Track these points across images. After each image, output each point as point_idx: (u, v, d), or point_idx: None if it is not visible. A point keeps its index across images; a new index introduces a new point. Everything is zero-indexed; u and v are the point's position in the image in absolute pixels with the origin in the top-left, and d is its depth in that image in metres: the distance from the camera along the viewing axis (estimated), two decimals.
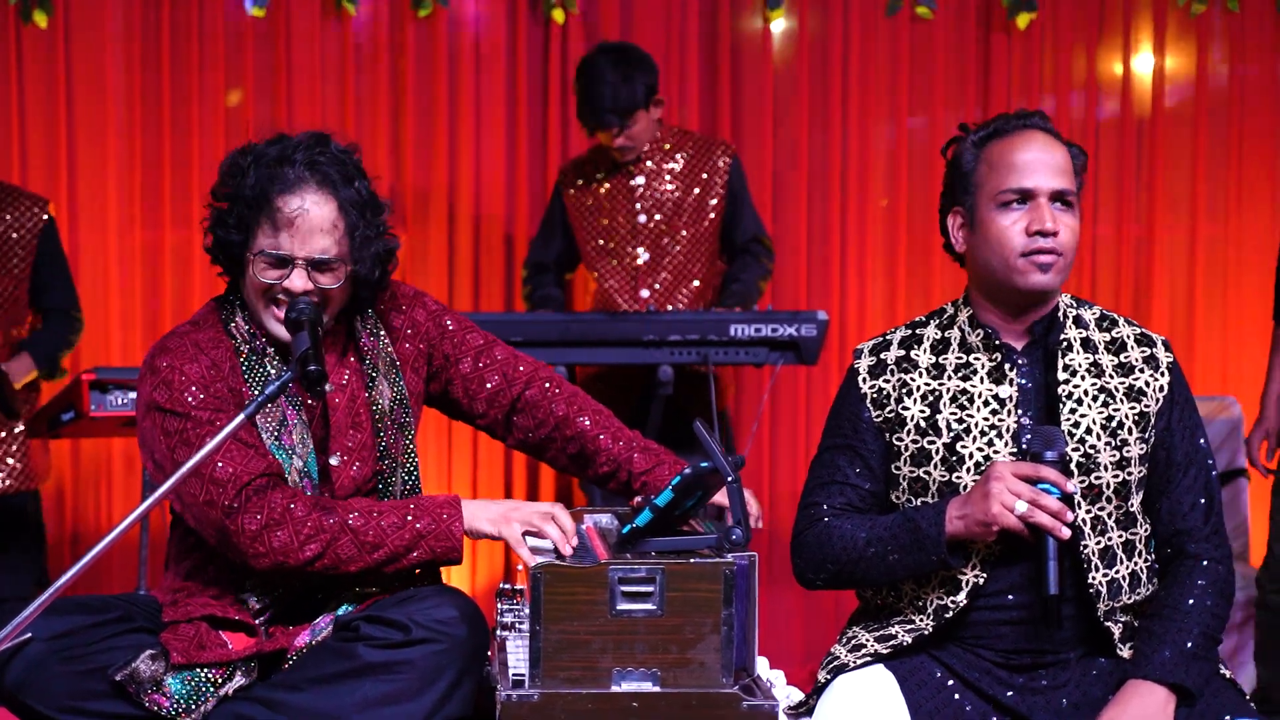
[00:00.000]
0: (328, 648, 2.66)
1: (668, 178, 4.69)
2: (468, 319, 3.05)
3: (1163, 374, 2.68)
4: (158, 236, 5.29)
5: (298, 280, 2.75)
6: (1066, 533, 2.50)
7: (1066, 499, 2.48)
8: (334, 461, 2.78)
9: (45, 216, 4.45)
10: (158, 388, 2.69)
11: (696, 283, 4.69)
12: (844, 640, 2.72)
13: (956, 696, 2.61)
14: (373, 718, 2.61)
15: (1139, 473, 2.67)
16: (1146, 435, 2.67)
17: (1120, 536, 2.65)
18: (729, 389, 4.95)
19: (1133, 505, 2.68)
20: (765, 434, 5.32)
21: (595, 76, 4.56)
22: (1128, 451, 2.65)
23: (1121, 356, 2.70)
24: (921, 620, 2.65)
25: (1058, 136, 2.71)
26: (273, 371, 2.79)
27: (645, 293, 4.66)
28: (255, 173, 2.77)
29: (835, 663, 2.68)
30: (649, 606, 2.52)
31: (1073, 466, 2.62)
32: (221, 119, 5.24)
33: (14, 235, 4.39)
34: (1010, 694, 2.62)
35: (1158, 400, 2.67)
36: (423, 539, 2.68)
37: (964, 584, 2.61)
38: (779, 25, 5.38)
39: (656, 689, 2.52)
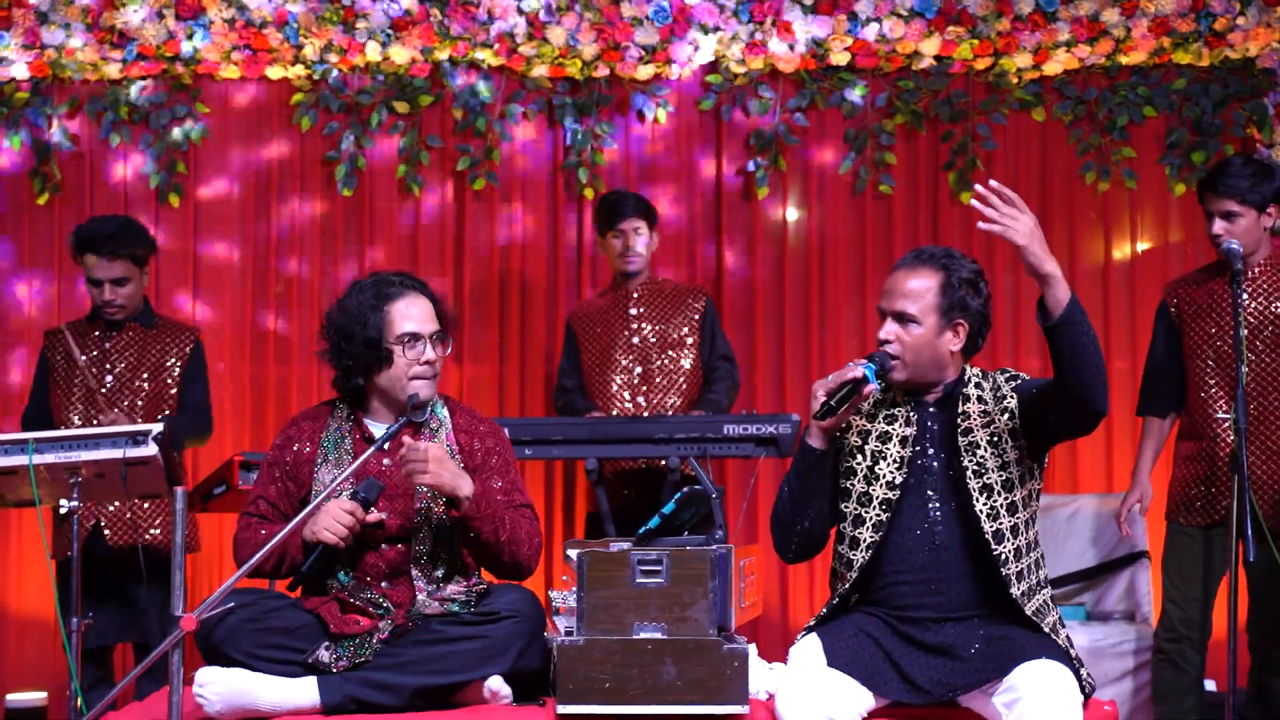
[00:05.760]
0: (439, 621, 3.70)
1: (657, 308, 5.72)
2: (511, 452, 4.01)
3: (1016, 388, 3.60)
4: (262, 372, 6.40)
5: (430, 352, 3.87)
6: (858, 372, 3.51)
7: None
8: (377, 517, 3.76)
9: (194, 341, 5.38)
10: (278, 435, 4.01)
11: (679, 396, 5.66)
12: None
13: (860, 644, 3.56)
14: (474, 665, 3.65)
15: (1020, 470, 3.57)
16: (1019, 440, 3.57)
17: (1009, 521, 3.57)
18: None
19: (1016, 496, 3.58)
20: (752, 513, 6.22)
21: (621, 193, 5.79)
22: (1007, 456, 3.57)
23: (998, 393, 3.63)
24: (850, 574, 3.62)
25: (931, 260, 3.62)
26: (345, 445, 3.86)
27: (641, 399, 5.62)
28: (367, 292, 3.90)
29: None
30: (659, 580, 3.54)
31: (969, 474, 3.54)
32: (317, 276, 6.37)
33: (171, 356, 5.32)
34: (901, 643, 3.53)
35: (1015, 410, 3.57)
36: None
37: (869, 545, 3.60)
38: (764, 194, 6.44)
39: (664, 636, 3.52)
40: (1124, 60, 6.36)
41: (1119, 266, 6.49)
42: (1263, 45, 6.25)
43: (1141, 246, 6.51)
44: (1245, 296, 4.89)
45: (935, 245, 3.82)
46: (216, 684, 3.62)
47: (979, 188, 3.39)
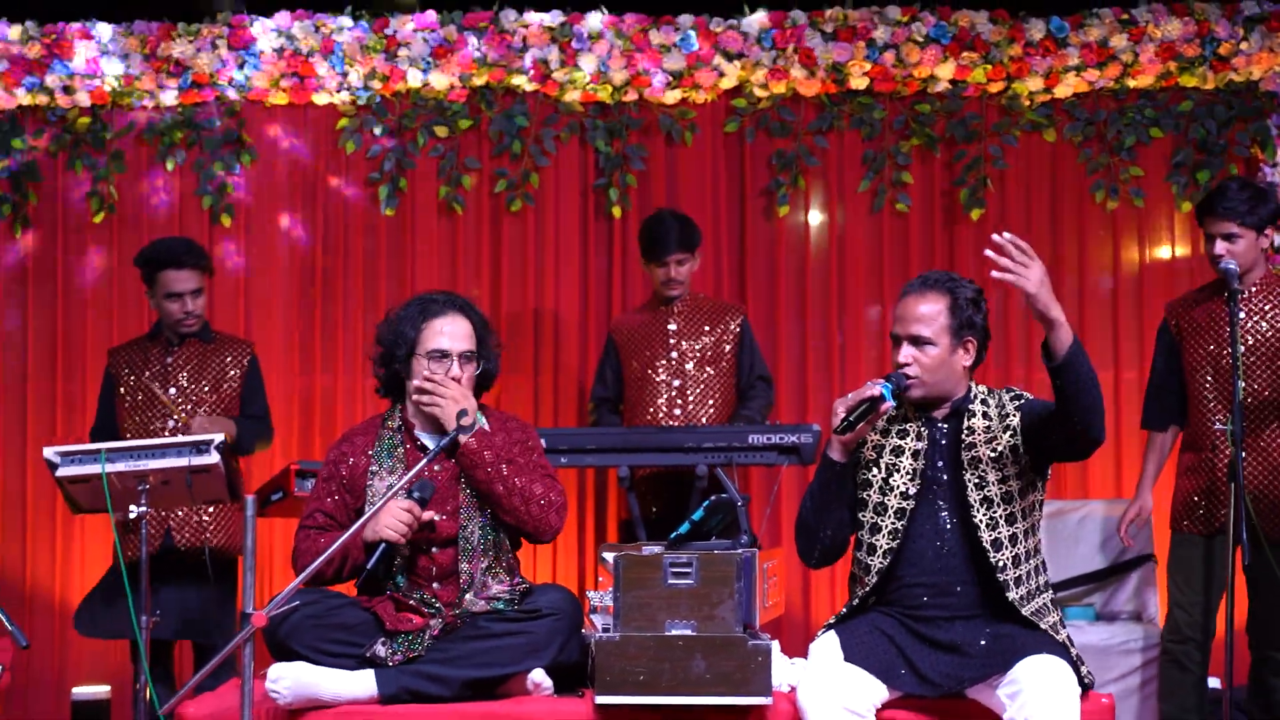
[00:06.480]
0: (486, 619, 4.01)
1: (695, 325, 5.99)
2: (538, 442, 4.32)
3: (1020, 407, 3.88)
4: (309, 382, 6.73)
5: (455, 369, 4.15)
6: (875, 390, 3.77)
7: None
8: (430, 516, 4.10)
9: (250, 354, 5.72)
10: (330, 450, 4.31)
11: (713, 409, 5.93)
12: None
13: (875, 641, 3.84)
14: (518, 658, 3.96)
15: (1019, 484, 3.85)
16: (1020, 456, 3.85)
17: (1008, 530, 3.85)
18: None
19: (1016, 507, 3.85)
20: (775, 518, 6.55)
21: (664, 222, 5.93)
22: (1007, 471, 3.85)
23: (1002, 411, 3.91)
24: (869, 579, 3.92)
25: (939, 285, 3.89)
26: (399, 454, 4.17)
27: (678, 412, 5.90)
28: (412, 307, 4.24)
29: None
30: (689, 581, 3.83)
31: (970, 486, 3.81)
32: (360, 292, 6.71)
33: (229, 369, 5.65)
34: (914, 640, 3.81)
35: (1018, 429, 3.84)
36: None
37: (885, 551, 3.88)
38: (786, 212, 6.74)
39: (694, 633, 3.82)
40: (1132, 84, 6.62)
41: (1127, 280, 6.74)
42: (1266, 69, 6.53)
43: (1151, 258, 6.77)
44: (1242, 314, 5.14)
45: (936, 270, 4.07)
46: (286, 678, 3.93)
47: (994, 238, 3.62)
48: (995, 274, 3.63)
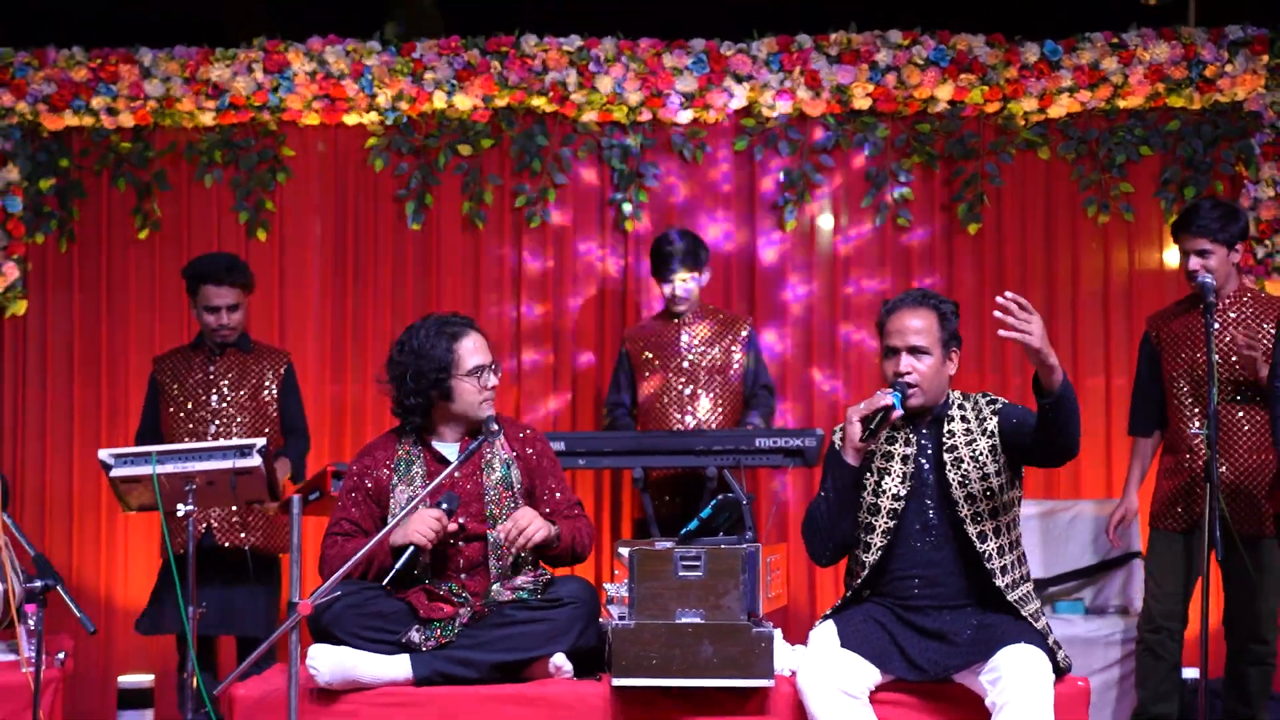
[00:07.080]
0: (511, 607, 4.34)
1: (705, 335, 6.30)
2: (554, 453, 4.66)
3: (996, 411, 4.20)
4: (340, 390, 7.07)
5: (492, 379, 4.51)
6: (888, 400, 4.08)
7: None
8: (457, 524, 4.43)
9: (287, 363, 6.06)
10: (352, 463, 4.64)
11: (721, 415, 6.23)
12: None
13: (869, 629, 4.16)
14: (541, 644, 4.29)
15: (999, 481, 4.15)
16: (999, 456, 4.16)
17: (991, 524, 4.18)
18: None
19: (997, 502, 4.16)
20: (782, 516, 6.86)
21: (671, 242, 6.23)
22: (987, 469, 4.17)
23: (979, 415, 4.24)
24: (862, 573, 4.24)
25: (925, 301, 4.22)
26: (417, 466, 4.50)
27: (689, 418, 6.20)
28: (435, 333, 4.53)
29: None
30: (698, 573, 4.15)
31: (954, 485, 4.12)
32: (389, 303, 7.04)
33: (267, 377, 5.99)
34: (905, 628, 4.12)
35: (995, 431, 4.17)
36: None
37: (879, 548, 4.20)
38: (792, 226, 7.03)
39: (702, 621, 4.14)
40: (1122, 104, 6.91)
41: (1117, 290, 7.02)
42: (1249, 90, 6.82)
43: (1140, 269, 7.04)
44: (1216, 325, 5.44)
45: (915, 289, 4.39)
46: (325, 659, 4.26)
47: (1000, 300, 3.89)
48: (1002, 333, 3.89)
